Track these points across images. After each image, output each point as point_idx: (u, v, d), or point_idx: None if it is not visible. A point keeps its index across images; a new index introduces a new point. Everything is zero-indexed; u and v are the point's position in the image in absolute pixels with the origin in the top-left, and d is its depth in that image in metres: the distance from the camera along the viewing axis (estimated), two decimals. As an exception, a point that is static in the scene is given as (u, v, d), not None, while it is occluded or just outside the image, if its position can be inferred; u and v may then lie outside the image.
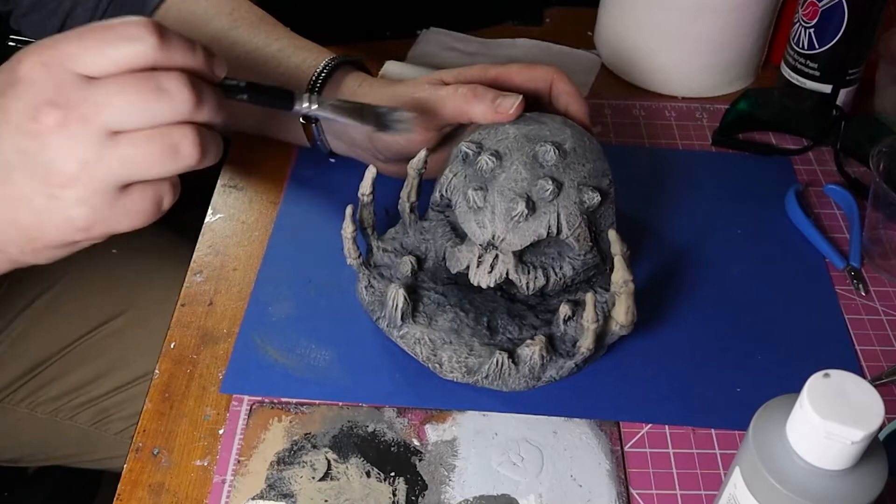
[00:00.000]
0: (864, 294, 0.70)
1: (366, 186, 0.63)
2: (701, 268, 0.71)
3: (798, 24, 0.82)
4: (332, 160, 0.77)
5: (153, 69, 0.44)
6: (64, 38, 0.43)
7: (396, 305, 0.61)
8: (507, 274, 0.58)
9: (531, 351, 0.59)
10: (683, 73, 0.88)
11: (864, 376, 0.60)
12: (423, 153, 0.63)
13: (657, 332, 0.66)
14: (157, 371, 0.62)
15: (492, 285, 0.58)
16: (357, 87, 0.69)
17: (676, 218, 0.75)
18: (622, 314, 0.59)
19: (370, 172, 0.63)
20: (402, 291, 0.60)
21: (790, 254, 0.72)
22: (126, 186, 0.45)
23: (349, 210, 0.62)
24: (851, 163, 0.80)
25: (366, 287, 0.64)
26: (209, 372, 0.62)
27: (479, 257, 0.58)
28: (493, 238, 0.58)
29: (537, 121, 0.61)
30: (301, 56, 0.71)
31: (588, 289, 0.63)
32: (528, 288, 0.59)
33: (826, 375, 0.41)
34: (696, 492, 0.57)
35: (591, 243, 0.59)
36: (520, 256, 0.59)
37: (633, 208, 0.73)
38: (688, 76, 0.88)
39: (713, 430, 0.60)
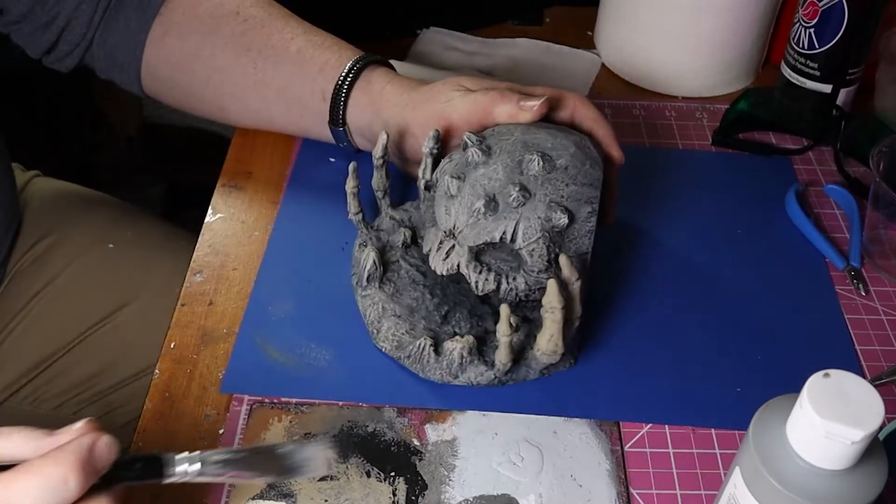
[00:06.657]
0: (864, 294, 0.70)
1: (378, 150, 0.65)
2: (701, 268, 0.71)
3: (798, 24, 0.82)
4: (332, 160, 0.77)
5: None
6: None
7: (365, 266, 0.63)
8: (458, 267, 0.59)
9: (453, 346, 0.59)
10: (683, 73, 0.88)
11: (864, 376, 0.60)
12: (433, 132, 0.63)
13: (657, 332, 0.66)
14: (157, 371, 0.62)
15: (444, 273, 0.59)
16: (385, 86, 0.69)
17: (676, 218, 0.75)
18: (543, 340, 0.58)
19: (382, 138, 0.64)
20: (373, 254, 0.63)
21: (790, 254, 0.72)
22: None
23: (352, 165, 0.64)
24: (851, 163, 0.80)
25: (360, 245, 0.66)
26: (209, 372, 0.62)
27: (440, 243, 0.59)
28: (454, 227, 0.58)
29: (549, 131, 0.61)
30: (323, 57, 0.71)
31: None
32: (476, 287, 0.59)
33: (826, 375, 0.41)
34: (696, 492, 0.57)
35: (547, 262, 0.58)
36: (477, 254, 0.59)
37: (632, 208, 0.73)
38: (688, 76, 0.88)
39: (713, 430, 0.60)
